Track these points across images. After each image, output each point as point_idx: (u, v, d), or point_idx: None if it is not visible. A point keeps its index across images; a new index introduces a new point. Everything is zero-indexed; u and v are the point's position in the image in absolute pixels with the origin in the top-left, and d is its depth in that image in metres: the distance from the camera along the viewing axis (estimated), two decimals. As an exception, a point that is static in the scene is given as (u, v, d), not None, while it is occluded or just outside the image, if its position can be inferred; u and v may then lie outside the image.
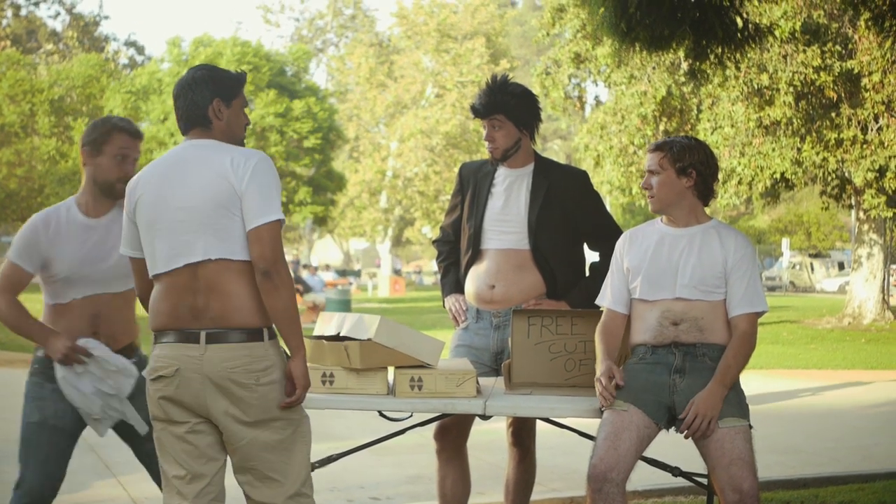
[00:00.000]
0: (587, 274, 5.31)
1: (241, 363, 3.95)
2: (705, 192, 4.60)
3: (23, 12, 64.86)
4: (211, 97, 4.14)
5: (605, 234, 5.25)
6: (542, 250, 5.15)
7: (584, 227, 5.27)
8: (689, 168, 4.53)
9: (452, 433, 5.29)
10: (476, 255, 5.28)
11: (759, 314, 4.47)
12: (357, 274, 62.13)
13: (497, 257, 5.22)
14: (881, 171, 23.02)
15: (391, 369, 4.78)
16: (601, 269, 5.17)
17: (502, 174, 5.30)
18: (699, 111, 25.66)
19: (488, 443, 8.87)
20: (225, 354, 3.95)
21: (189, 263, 3.98)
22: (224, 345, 3.96)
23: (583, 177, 5.34)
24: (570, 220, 5.20)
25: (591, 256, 5.38)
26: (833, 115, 23.23)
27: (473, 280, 5.29)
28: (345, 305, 27.32)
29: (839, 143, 23.31)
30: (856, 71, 22.30)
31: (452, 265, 5.52)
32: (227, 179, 3.95)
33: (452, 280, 5.49)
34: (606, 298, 4.67)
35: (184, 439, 4.12)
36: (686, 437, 4.28)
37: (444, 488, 5.38)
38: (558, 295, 5.19)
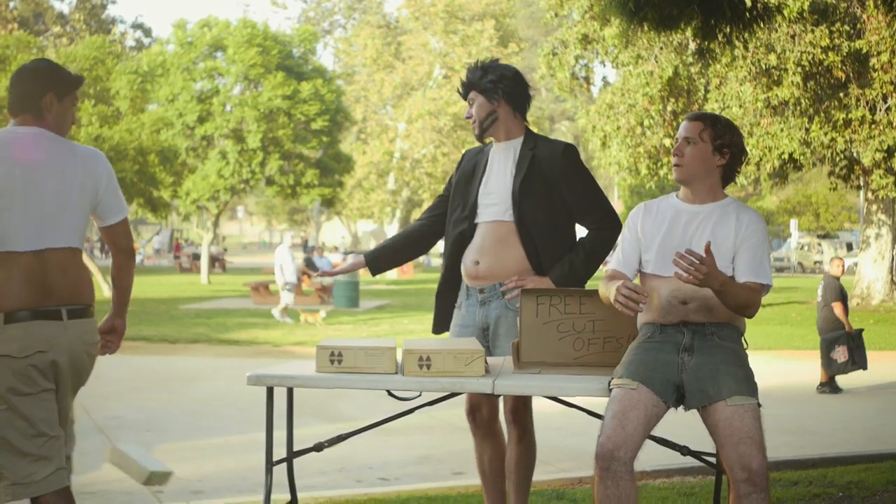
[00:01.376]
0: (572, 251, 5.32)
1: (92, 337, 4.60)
2: (730, 175, 4.57)
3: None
4: (45, 90, 4.44)
5: (592, 206, 5.26)
6: (525, 221, 5.17)
7: (570, 199, 5.24)
8: (726, 147, 4.51)
9: (483, 411, 5.32)
10: (471, 229, 5.32)
11: (764, 287, 4.44)
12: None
13: (483, 231, 5.27)
14: (889, 152, 23.00)
15: (399, 348, 4.78)
16: (587, 246, 5.21)
17: (495, 151, 5.38)
18: (706, 91, 25.62)
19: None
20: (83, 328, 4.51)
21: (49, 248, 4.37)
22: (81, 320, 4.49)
23: (568, 149, 5.32)
24: (555, 191, 5.20)
25: (582, 233, 5.38)
26: (841, 95, 23.20)
27: (463, 256, 5.35)
28: (353, 287, 27.32)
29: (847, 123, 23.28)
30: (864, 51, 22.26)
31: (410, 231, 5.67)
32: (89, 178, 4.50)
33: (384, 244, 5.69)
34: (615, 261, 4.63)
35: (42, 402, 4.38)
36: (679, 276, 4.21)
37: (483, 465, 5.42)
38: (543, 270, 5.19)
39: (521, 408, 5.31)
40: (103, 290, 30.81)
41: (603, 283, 4.54)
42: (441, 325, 5.51)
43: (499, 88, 5.28)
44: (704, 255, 4.09)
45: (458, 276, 5.39)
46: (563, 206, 5.24)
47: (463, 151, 5.80)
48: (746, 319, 4.51)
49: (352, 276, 27.76)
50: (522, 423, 5.33)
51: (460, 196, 5.40)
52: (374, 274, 5.60)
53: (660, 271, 4.47)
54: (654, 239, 4.52)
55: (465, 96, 5.35)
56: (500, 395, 4.67)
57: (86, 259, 32.06)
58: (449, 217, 5.46)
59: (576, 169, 5.27)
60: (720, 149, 4.51)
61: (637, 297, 4.22)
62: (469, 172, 5.42)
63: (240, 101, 38.19)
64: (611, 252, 5.26)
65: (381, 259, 5.55)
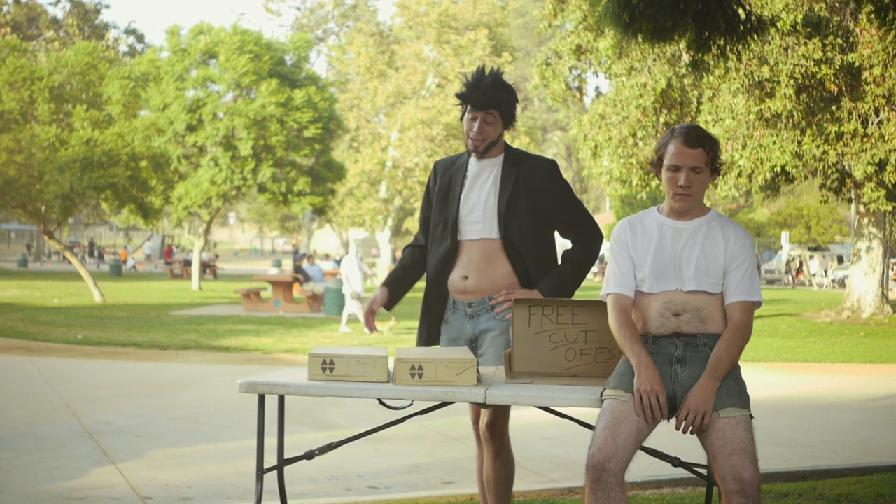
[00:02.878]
0: (559, 263, 5.34)
1: None
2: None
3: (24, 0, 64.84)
4: None
5: (575, 220, 5.31)
6: (511, 239, 5.19)
7: (554, 214, 5.28)
8: (718, 165, 4.54)
9: (498, 424, 5.30)
10: (454, 246, 5.32)
11: (755, 304, 4.46)
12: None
13: (469, 249, 5.29)
14: (881, 165, 23.05)
15: (391, 357, 4.78)
16: (574, 259, 5.25)
17: (474, 166, 5.36)
18: (699, 103, 25.67)
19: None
20: None
21: None
22: None
23: (551, 165, 5.34)
24: (540, 207, 5.23)
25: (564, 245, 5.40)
26: (834, 108, 23.25)
27: (449, 271, 5.35)
28: (343, 296, 27.27)
29: (839, 136, 23.33)
30: (857, 64, 22.32)
31: (408, 265, 5.68)
32: None
33: (392, 277, 5.67)
34: (614, 284, 4.55)
35: None
36: (683, 432, 4.27)
37: (489, 478, 5.41)
38: (530, 283, 5.22)
39: (498, 422, 5.30)
40: (94, 295, 30.79)
41: (619, 323, 4.47)
42: (429, 341, 5.51)
43: (515, 115, 5.33)
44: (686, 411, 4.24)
45: (443, 292, 5.40)
46: (546, 219, 5.29)
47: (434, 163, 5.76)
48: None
49: (342, 284, 27.75)
50: (499, 438, 5.32)
51: (440, 212, 5.42)
52: (388, 309, 5.66)
53: (653, 289, 4.48)
54: (645, 258, 4.51)
55: (481, 108, 5.22)
56: (490, 406, 4.66)
57: (77, 265, 32.15)
58: (431, 233, 5.47)
59: (559, 185, 5.31)
60: (716, 169, 4.52)
61: (657, 415, 4.26)
62: (446, 187, 5.42)
63: (231, 109, 38.16)
64: (595, 262, 5.31)
65: (394, 296, 5.63)
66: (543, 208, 5.25)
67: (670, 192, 4.51)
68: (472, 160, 5.38)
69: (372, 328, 5.55)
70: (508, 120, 5.29)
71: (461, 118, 5.38)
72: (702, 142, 4.47)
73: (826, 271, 57.09)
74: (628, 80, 25.74)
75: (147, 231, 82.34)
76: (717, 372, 4.25)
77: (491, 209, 5.24)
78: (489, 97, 5.21)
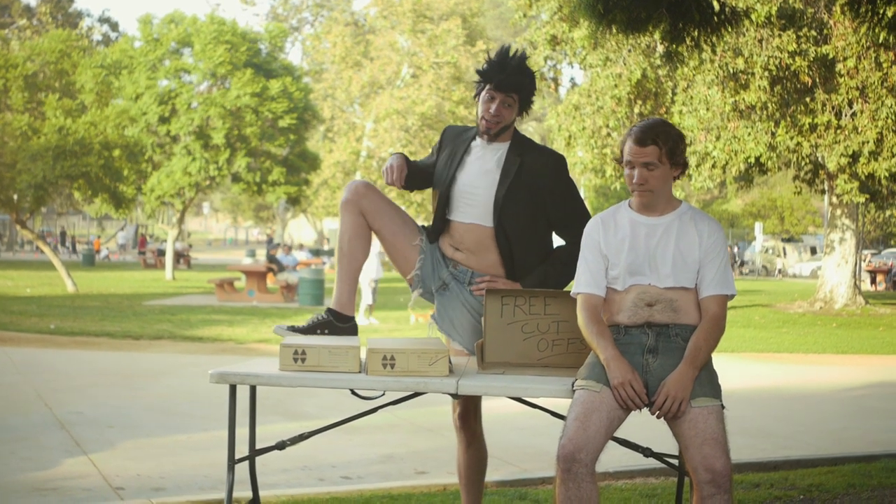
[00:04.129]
0: (548, 260, 5.26)
1: None
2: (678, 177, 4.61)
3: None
4: None
5: (575, 221, 5.11)
6: (505, 229, 5.07)
7: (553, 212, 5.13)
8: (680, 158, 4.53)
9: (470, 414, 5.28)
10: (443, 224, 5.22)
11: (729, 297, 4.47)
12: (331, 253, 62.14)
13: (460, 231, 5.16)
14: (854, 157, 23.18)
15: (363, 347, 4.77)
16: (563, 259, 5.13)
17: (479, 146, 5.20)
18: (674, 94, 25.74)
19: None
20: None
21: None
22: None
23: (559, 160, 5.18)
24: (539, 202, 5.09)
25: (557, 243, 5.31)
26: (807, 100, 23.36)
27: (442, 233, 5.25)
28: (318, 286, 27.25)
29: (813, 127, 23.45)
30: (830, 56, 22.43)
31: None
32: None
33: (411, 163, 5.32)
34: (584, 283, 4.55)
35: None
36: (658, 417, 4.28)
37: (461, 467, 5.40)
38: (515, 276, 5.13)
39: (470, 413, 5.29)
40: (67, 285, 30.66)
41: (589, 322, 4.47)
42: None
43: (531, 101, 5.20)
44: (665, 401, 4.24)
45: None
46: (544, 216, 5.14)
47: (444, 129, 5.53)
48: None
49: (317, 274, 27.75)
50: (472, 428, 5.31)
51: (438, 181, 5.28)
52: (411, 189, 5.39)
53: (626, 285, 4.48)
54: (619, 255, 4.49)
55: (503, 89, 5.07)
56: (461, 396, 4.66)
57: (49, 254, 32.02)
58: (434, 197, 5.32)
59: (564, 183, 5.16)
60: (677, 163, 4.52)
61: (639, 402, 4.26)
62: (447, 158, 5.27)
63: (205, 98, 38.07)
64: None
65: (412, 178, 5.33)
66: (543, 204, 5.10)
67: (629, 188, 4.54)
68: (478, 140, 5.20)
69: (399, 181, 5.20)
70: (525, 107, 5.15)
71: (475, 96, 5.19)
72: (654, 139, 4.46)
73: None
74: (603, 71, 25.76)
75: (120, 221, 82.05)
76: (696, 361, 4.26)
77: (488, 196, 5.09)
78: (514, 80, 5.07)
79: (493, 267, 5.15)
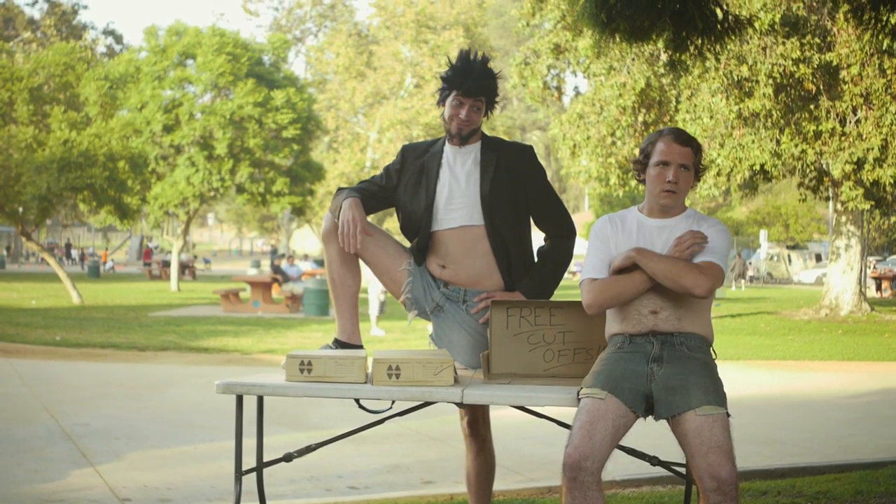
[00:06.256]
0: (535, 259, 5.25)
1: None
2: None
3: (0, 0, 64.61)
4: None
5: (553, 210, 5.19)
6: (495, 222, 5.05)
7: (533, 201, 5.15)
8: (700, 168, 4.58)
9: (478, 423, 5.30)
10: (427, 240, 5.19)
11: (719, 273, 4.43)
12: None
13: (446, 239, 5.13)
14: (859, 164, 23.16)
15: (370, 358, 4.78)
16: (553, 257, 5.16)
17: (451, 153, 5.19)
18: (678, 102, 25.73)
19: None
20: None
21: None
22: None
23: (530, 150, 5.25)
24: (521, 192, 5.11)
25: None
26: (812, 107, 23.36)
27: (425, 258, 5.24)
28: (323, 296, 27.24)
29: (818, 135, 23.44)
30: (834, 63, 22.42)
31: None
32: None
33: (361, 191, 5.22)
34: (593, 271, 4.55)
35: None
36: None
37: (470, 474, 5.40)
38: (512, 277, 5.11)
39: (479, 420, 5.30)
40: (72, 297, 30.68)
41: (597, 293, 4.50)
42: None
43: (496, 101, 5.23)
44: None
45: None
46: (525, 209, 5.16)
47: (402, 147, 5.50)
48: (715, 331, 4.53)
49: (322, 284, 27.73)
50: (480, 436, 5.32)
51: (410, 202, 5.22)
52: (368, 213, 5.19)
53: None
54: (625, 250, 4.52)
55: (470, 94, 5.08)
56: (467, 405, 4.66)
57: (55, 266, 32.02)
58: (402, 225, 5.30)
59: (538, 171, 5.21)
60: (698, 172, 4.56)
61: (700, 241, 4.43)
62: (416, 175, 5.23)
63: (207, 109, 38.13)
64: (571, 260, 5.24)
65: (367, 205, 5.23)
66: (524, 196, 5.12)
67: (656, 188, 4.52)
68: (448, 147, 5.21)
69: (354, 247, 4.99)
70: (491, 107, 5.20)
71: (439, 102, 5.21)
72: (690, 142, 4.54)
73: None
74: (607, 80, 25.77)
75: (125, 232, 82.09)
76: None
77: (473, 194, 5.09)
78: (479, 84, 5.09)
79: (483, 274, 5.12)
